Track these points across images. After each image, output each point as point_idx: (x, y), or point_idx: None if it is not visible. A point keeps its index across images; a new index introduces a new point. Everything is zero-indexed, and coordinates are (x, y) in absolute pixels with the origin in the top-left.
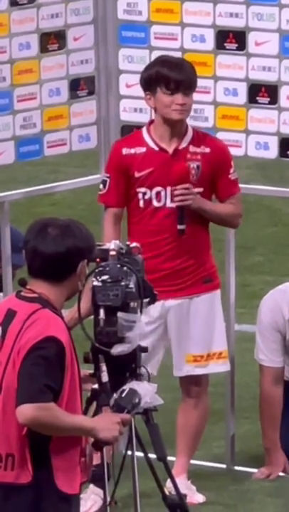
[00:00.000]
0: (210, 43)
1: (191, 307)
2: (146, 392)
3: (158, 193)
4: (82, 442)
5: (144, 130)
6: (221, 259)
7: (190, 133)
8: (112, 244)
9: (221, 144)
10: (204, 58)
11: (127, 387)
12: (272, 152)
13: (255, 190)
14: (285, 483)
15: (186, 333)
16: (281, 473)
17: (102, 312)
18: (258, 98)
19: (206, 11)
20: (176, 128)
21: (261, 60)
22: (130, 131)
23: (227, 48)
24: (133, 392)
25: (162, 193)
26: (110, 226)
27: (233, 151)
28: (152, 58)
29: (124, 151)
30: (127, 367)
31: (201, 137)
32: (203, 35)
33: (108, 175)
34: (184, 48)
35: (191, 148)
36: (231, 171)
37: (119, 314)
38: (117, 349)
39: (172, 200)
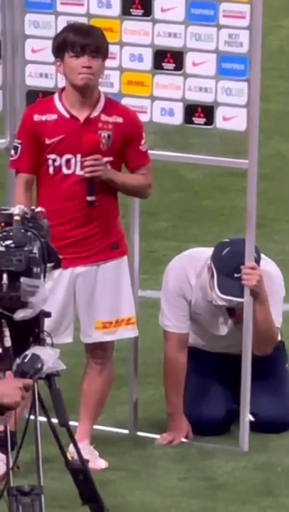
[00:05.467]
0: (116, 9)
1: (98, 274)
2: (48, 357)
3: (68, 161)
4: None
5: (56, 97)
6: (125, 224)
7: (102, 101)
8: (16, 209)
9: (133, 114)
10: (110, 24)
11: (29, 352)
12: (178, 118)
13: (160, 156)
14: (187, 449)
15: (95, 299)
16: (184, 439)
17: (5, 277)
18: (163, 64)
19: None
20: (86, 95)
21: (167, 26)
22: (36, 97)
23: (133, 14)
24: (36, 357)
25: (72, 161)
26: (21, 192)
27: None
28: (58, 24)
29: (36, 117)
30: (30, 332)
31: (113, 106)
32: (109, 1)
33: (20, 141)
34: (90, 13)
35: (103, 117)
36: (142, 142)
37: (23, 279)
38: (20, 314)
39: (82, 169)
